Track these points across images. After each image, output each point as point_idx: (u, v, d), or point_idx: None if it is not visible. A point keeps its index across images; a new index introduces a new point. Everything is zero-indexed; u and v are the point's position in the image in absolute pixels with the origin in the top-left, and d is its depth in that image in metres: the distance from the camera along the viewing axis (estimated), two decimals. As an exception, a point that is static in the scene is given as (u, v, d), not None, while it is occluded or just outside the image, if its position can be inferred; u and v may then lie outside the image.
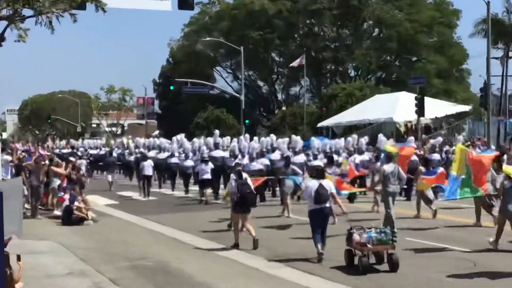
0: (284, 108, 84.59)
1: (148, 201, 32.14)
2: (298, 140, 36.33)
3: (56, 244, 19.21)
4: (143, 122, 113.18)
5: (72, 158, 34.48)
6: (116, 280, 14.29)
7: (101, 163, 47.18)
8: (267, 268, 15.34)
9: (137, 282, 14.17)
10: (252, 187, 18.72)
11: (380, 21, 79.87)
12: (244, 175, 19.08)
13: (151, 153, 41.29)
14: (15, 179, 7.87)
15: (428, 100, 49.18)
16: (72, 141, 64.58)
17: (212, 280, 14.10)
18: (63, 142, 66.04)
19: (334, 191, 16.74)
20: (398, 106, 54.70)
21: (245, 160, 30.30)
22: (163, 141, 45.36)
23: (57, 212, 25.72)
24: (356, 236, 15.07)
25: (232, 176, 19.41)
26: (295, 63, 71.36)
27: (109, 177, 39.93)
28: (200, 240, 19.80)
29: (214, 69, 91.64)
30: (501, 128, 60.02)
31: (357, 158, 31.86)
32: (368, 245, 14.88)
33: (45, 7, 17.40)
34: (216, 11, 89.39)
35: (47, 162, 29.25)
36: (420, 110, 44.98)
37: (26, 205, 26.55)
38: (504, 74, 65.04)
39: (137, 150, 44.70)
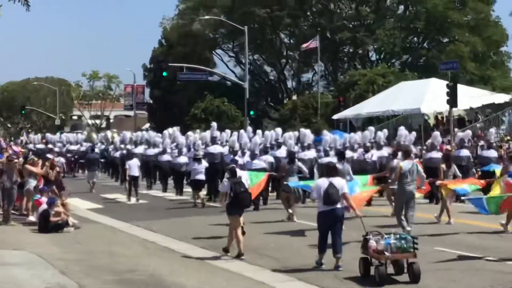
0: (294, 97, 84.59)
1: (137, 205, 32.16)
2: (307, 134, 36.24)
3: (32, 255, 19.21)
4: (131, 113, 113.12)
5: (50, 155, 34.64)
6: (101, 296, 14.35)
7: (82, 161, 47.35)
8: (275, 282, 15.38)
9: (125, 298, 14.23)
10: (247, 186, 19.17)
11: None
12: (240, 173, 19.57)
13: (139, 149, 41.46)
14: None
15: (461, 88, 49.03)
16: (48, 135, 64.40)
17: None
18: (38, 136, 65.75)
19: (346, 190, 16.93)
20: (426, 95, 54.47)
21: (246, 157, 30.62)
22: (153, 135, 45.42)
23: (33, 218, 25.69)
24: (372, 243, 15.21)
25: (226, 174, 19.75)
26: (307, 46, 71.25)
27: (91, 177, 40.09)
28: (197, 249, 19.86)
29: (213, 52, 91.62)
30: (547, 121, 60.00)
31: (375, 154, 32.05)
32: (386, 253, 15.00)
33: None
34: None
35: (21, 159, 29.27)
36: (453, 100, 44.85)
37: (-2, 210, 26.63)
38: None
39: (122, 146, 44.67)
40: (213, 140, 36.76)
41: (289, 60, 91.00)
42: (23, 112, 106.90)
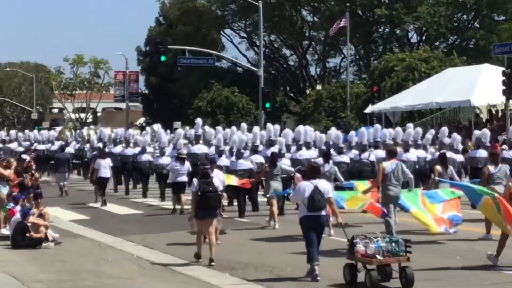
0: (319, 87, 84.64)
1: (130, 216, 32.27)
2: (302, 131, 36.99)
3: (5, 275, 19.28)
4: (123, 106, 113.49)
5: (25, 156, 34.75)
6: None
7: (52, 162, 47.87)
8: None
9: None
10: (218, 187, 20.80)
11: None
12: (215, 174, 21.83)
13: (117, 148, 42.99)
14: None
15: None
16: (2, 133, 65.45)
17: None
18: (2, 133, 65.93)
19: (331, 195, 18.42)
20: (478, 84, 54.38)
21: (232, 158, 32.29)
22: (131, 133, 46.79)
23: (5, 231, 25.79)
24: (360, 247, 16.66)
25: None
26: (335, 27, 71.14)
27: (61, 179, 40.62)
28: (201, 269, 19.86)
29: (221, 32, 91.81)
30: None
31: (410, 155, 33.12)
32: (378, 257, 16.42)
33: None
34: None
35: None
36: (509, 90, 44.81)
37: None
38: None
39: (100, 145, 45.51)
40: (197, 139, 39.09)
41: (312, 42, 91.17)
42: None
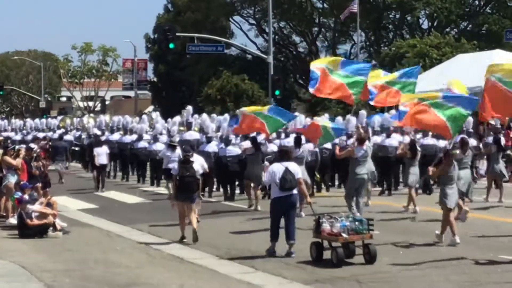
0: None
1: (138, 205, 32.34)
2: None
3: (13, 265, 19.32)
4: (131, 94, 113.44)
5: (33, 145, 34.80)
6: (95, 314, 14.46)
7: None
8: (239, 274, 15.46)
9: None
10: (198, 171, 22.59)
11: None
12: (194, 159, 23.03)
13: (115, 136, 44.54)
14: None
15: (532, 62, 48.93)
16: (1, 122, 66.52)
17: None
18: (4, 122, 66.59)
19: (301, 176, 19.97)
20: (490, 70, 54.43)
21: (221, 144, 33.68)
22: (129, 120, 47.85)
23: (13, 220, 25.84)
24: (326, 226, 18.12)
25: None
26: (346, 12, 71.04)
27: (58, 167, 41.27)
28: (209, 258, 19.93)
29: (230, 19, 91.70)
30: None
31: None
32: (344, 235, 17.94)
33: None
34: None
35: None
36: (522, 76, 44.77)
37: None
38: None
39: (98, 132, 46.36)
40: (189, 126, 40.25)
41: (322, 28, 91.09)
42: (1, 92, 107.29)
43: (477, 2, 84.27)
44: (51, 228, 24.09)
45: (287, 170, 19.09)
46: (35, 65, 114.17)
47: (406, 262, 18.52)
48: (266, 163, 27.75)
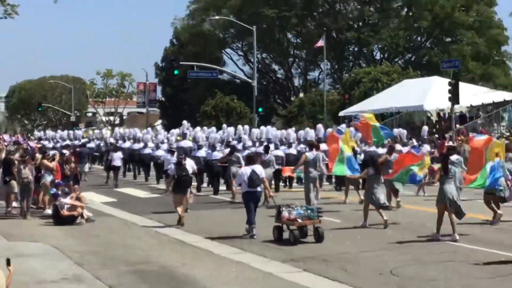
0: (301, 95, 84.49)
1: (149, 199, 32.23)
2: (264, 131, 40.97)
3: (48, 247, 19.25)
4: (144, 110, 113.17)
5: (65, 151, 34.73)
6: (115, 286, 14.36)
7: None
8: (284, 274, 15.39)
9: (139, 288, 14.25)
10: (189, 172, 24.21)
11: (410, 0, 79.66)
12: (186, 162, 24.45)
13: (126, 144, 45.31)
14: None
15: (463, 86, 48.96)
16: (36, 132, 67.11)
17: (223, 286, 14.17)
18: (56, 133, 66.83)
19: (264, 176, 20.80)
20: (429, 92, 54.41)
21: (208, 150, 34.93)
22: (137, 131, 48.94)
23: (49, 211, 25.73)
24: (285, 213, 19.02)
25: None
26: (317, 44, 71.10)
27: (81, 168, 41.91)
28: (207, 242, 19.89)
29: (223, 51, 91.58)
30: (546, 117, 59.88)
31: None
32: (299, 220, 18.85)
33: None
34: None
35: (38, 155, 29.29)
36: (454, 97, 44.82)
37: (15, 204, 26.65)
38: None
39: (113, 141, 48.92)
40: (184, 136, 41.65)
41: (296, 59, 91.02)
42: (39, 109, 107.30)
43: (419, 39, 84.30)
44: (79, 217, 24.07)
45: (253, 172, 20.23)
46: (67, 87, 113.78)
47: (363, 245, 18.58)
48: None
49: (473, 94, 54.32)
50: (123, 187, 37.80)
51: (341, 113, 62.66)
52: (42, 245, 19.60)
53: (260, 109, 63.80)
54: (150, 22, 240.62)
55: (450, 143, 39.37)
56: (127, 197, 33.25)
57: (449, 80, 46.62)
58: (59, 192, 25.14)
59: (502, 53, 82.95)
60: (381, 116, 59.93)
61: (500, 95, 58.91)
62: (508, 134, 49.89)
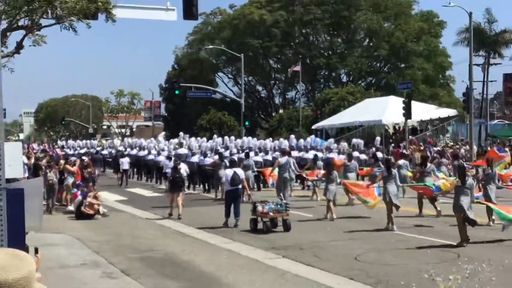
0: (281, 111, 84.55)
1: (154, 197, 32.14)
2: (246, 141, 42.56)
3: (70, 237, 19.25)
4: (150, 124, 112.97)
5: (85, 158, 34.72)
6: (126, 270, 14.34)
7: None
8: (267, 260, 15.40)
9: (146, 272, 14.21)
10: (183, 174, 25.39)
11: (371, 32, 79.90)
12: (181, 166, 25.93)
13: (133, 151, 45.51)
14: (36, 179, 7.89)
15: (414, 104, 49.20)
16: (59, 142, 68.39)
17: (216, 271, 14.17)
18: (76, 142, 67.15)
19: (243, 177, 21.67)
20: (387, 109, 54.68)
21: (201, 156, 35.38)
22: (142, 141, 49.50)
23: (71, 208, 25.75)
24: (260, 208, 19.60)
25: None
26: (293, 68, 71.28)
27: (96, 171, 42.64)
28: (203, 233, 19.91)
29: (216, 75, 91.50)
30: (482, 130, 60.27)
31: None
32: (270, 213, 19.46)
33: (62, 18, 17.50)
34: (218, 21, 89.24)
35: (61, 161, 29.33)
36: (407, 113, 45.01)
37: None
38: (485, 80, 65.30)
39: (122, 149, 49.30)
40: (181, 145, 43.28)
41: (276, 81, 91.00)
42: (63, 122, 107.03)
43: (378, 65, 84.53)
44: (97, 213, 24.03)
45: (235, 173, 20.94)
46: (86, 104, 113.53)
47: (332, 236, 18.57)
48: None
49: (423, 111, 54.65)
50: (131, 187, 37.72)
51: (314, 126, 62.87)
52: (65, 236, 19.56)
53: (247, 123, 63.67)
54: (155, 51, 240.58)
55: (404, 151, 39.50)
56: (135, 196, 33.20)
57: (403, 99, 46.81)
58: (80, 192, 25.15)
59: (447, 77, 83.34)
60: (347, 129, 60.22)
61: (445, 112, 59.34)
62: (452, 143, 50.20)
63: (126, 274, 13.96)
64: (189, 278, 13.51)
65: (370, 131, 57.63)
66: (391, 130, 57.96)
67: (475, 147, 46.05)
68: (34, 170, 26.12)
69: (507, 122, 71.69)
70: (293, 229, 19.54)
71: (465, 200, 16.33)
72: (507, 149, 35.91)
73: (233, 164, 22.50)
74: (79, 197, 24.58)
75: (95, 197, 24.63)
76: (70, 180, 27.10)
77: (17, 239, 5.11)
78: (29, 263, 2.40)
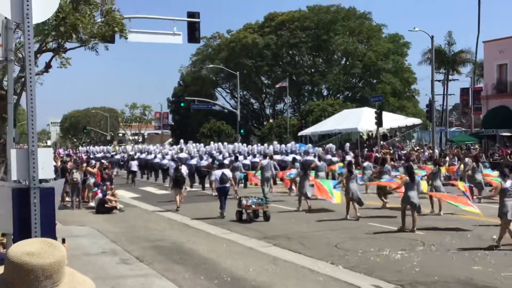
0: (271, 120, 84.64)
1: (163, 195, 32.05)
2: (237, 146, 43.80)
3: (92, 229, 19.23)
4: (159, 132, 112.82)
5: (103, 161, 34.66)
6: (140, 257, 14.34)
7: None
8: (260, 248, 15.41)
9: (157, 258, 14.21)
10: (183, 173, 25.58)
11: (347, 53, 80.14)
12: (182, 168, 26.30)
13: (142, 155, 45.80)
14: (59, 180, 7.93)
15: (385, 114, 49.32)
16: (80, 148, 69.33)
17: (217, 257, 14.18)
18: (96, 148, 67.39)
19: (231, 176, 22.09)
20: (361, 118, 54.79)
21: (198, 159, 35.57)
22: (150, 147, 50.73)
23: (92, 204, 25.72)
24: (244, 201, 20.15)
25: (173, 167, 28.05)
26: (280, 85, 71.42)
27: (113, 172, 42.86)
28: (205, 225, 19.88)
29: (215, 89, 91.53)
30: (443, 136, 60.49)
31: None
32: (253, 206, 20.06)
33: (84, 41, 17.56)
34: (217, 43, 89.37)
35: (84, 164, 29.28)
36: (379, 122, 45.14)
37: (67, 199, 26.58)
38: (445, 93, 65.71)
39: (132, 153, 49.41)
40: (182, 150, 44.04)
41: (267, 95, 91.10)
42: (85, 131, 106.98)
43: (354, 80, 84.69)
44: (114, 208, 24.01)
45: (223, 173, 21.49)
46: (104, 115, 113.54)
47: (315, 227, 18.58)
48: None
49: (392, 120, 54.76)
50: (143, 186, 37.61)
51: (299, 134, 62.97)
52: (87, 228, 19.54)
53: (242, 131, 63.80)
54: (164, 69, 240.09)
55: (377, 155, 39.59)
56: (147, 194, 33.11)
57: (376, 110, 46.94)
58: (99, 190, 25.13)
59: (412, 90, 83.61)
60: (328, 135, 60.30)
61: (411, 121, 59.47)
62: (418, 148, 50.32)
63: (140, 260, 13.96)
64: (193, 263, 13.52)
65: (347, 138, 57.74)
66: (365, 137, 58.07)
67: (436, 151, 46.19)
68: (61, 172, 26.14)
69: (463, 129, 72.08)
70: (280, 220, 19.68)
71: (412, 194, 17.25)
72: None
73: (221, 166, 23.19)
74: (100, 195, 24.55)
75: (113, 195, 24.65)
76: (91, 180, 27.06)
77: (48, 231, 5.13)
78: (61, 250, 2.45)
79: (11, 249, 2.38)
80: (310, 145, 42.97)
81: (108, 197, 24.15)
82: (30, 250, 2.36)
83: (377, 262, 13.06)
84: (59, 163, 28.59)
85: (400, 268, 12.41)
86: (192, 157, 36.54)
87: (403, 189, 17.99)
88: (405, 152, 46.37)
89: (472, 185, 23.27)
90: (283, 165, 32.73)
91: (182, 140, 48.26)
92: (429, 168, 24.53)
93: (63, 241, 8.46)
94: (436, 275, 11.63)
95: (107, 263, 13.71)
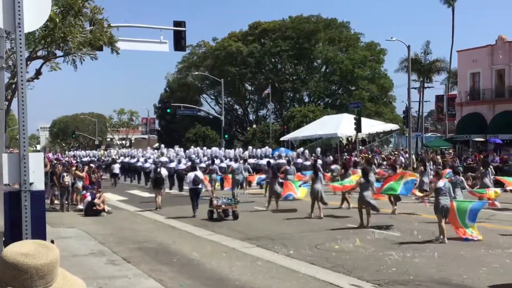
0: (254, 126, 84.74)
1: (149, 197, 31.97)
2: (218, 150, 45.08)
3: (80, 231, 19.14)
4: (146, 136, 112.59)
5: (92, 165, 34.47)
6: (127, 258, 14.30)
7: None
8: (243, 249, 15.43)
9: (144, 259, 14.19)
10: (163, 175, 26.43)
11: (326, 61, 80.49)
12: (161, 170, 26.67)
13: (126, 159, 46.57)
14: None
15: (364, 120, 49.55)
16: (67, 152, 70.79)
17: (201, 258, 14.18)
18: (83, 152, 67.24)
19: (202, 178, 22.56)
20: (341, 124, 55.00)
21: (185, 162, 36.27)
22: (133, 151, 51.96)
23: (81, 206, 25.61)
24: (215, 202, 20.91)
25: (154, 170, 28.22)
26: (265, 92, 71.52)
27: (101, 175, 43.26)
28: (189, 227, 19.88)
29: (201, 96, 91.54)
30: (419, 141, 60.91)
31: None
32: (223, 206, 20.83)
33: (71, 50, 17.50)
34: (202, 51, 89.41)
35: (73, 168, 29.14)
36: (358, 128, 45.35)
37: (56, 201, 26.42)
38: (421, 100, 66.26)
39: (116, 157, 50.22)
40: (162, 154, 45.11)
41: (250, 101, 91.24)
42: (73, 136, 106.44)
43: (334, 87, 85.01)
44: (102, 211, 23.91)
45: (195, 175, 22.08)
46: (93, 121, 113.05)
47: (297, 229, 18.64)
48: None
49: (370, 125, 55.01)
50: (130, 189, 37.50)
51: (282, 139, 63.09)
52: (75, 230, 19.44)
53: (226, 136, 63.81)
54: (150, 76, 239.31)
55: (356, 159, 39.76)
56: (134, 196, 33.04)
57: (354, 116, 47.16)
58: (88, 193, 25.03)
59: (389, 97, 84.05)
60: (309, 140, 60.47)
61: (388, 126, 59.82)
62: (395, 152, 50.61)
63: (127, 261, 13.92)
64: (179, 264, 13.52)
65: (328, 142, 57.93)
66: (344, 141, 58.30)
67: (413, 155, 46.49)
68: (50, 175, 26.00)
69: (438, 134, 72.64)
70: (259, 221, 20.00)
71: (366, 193, 18.21)
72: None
73: (194, 168, 23.65)
74: (88, 198, 24.45)
75: (102, 200, 24.55)
76: (79, 184, 26.95)
77: (39, 232, 5.14)
78: (54, 252, 2.49)
79: (6, 249, 2.42)
80: (282, 149, 44.51)
81: (96, 200, 24.05)
82: (25, 251, 2.40)
83: (355, 261, 13.14)
84: (48, 167, 28.41)
85: (378, 268, 12.50)
86: (171, 161, 37.70)
87: (358, 189, 18.83)
88: (382, 156, 46.55)
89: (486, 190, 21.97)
90: (258, 168, 34.05)
91: (162, 145, 49.29)
92: (406, 173, 24.24)
93: (52, 242, 8.44)
94: (411, 275, 11.74)
95: (95, 264, 13.66)
